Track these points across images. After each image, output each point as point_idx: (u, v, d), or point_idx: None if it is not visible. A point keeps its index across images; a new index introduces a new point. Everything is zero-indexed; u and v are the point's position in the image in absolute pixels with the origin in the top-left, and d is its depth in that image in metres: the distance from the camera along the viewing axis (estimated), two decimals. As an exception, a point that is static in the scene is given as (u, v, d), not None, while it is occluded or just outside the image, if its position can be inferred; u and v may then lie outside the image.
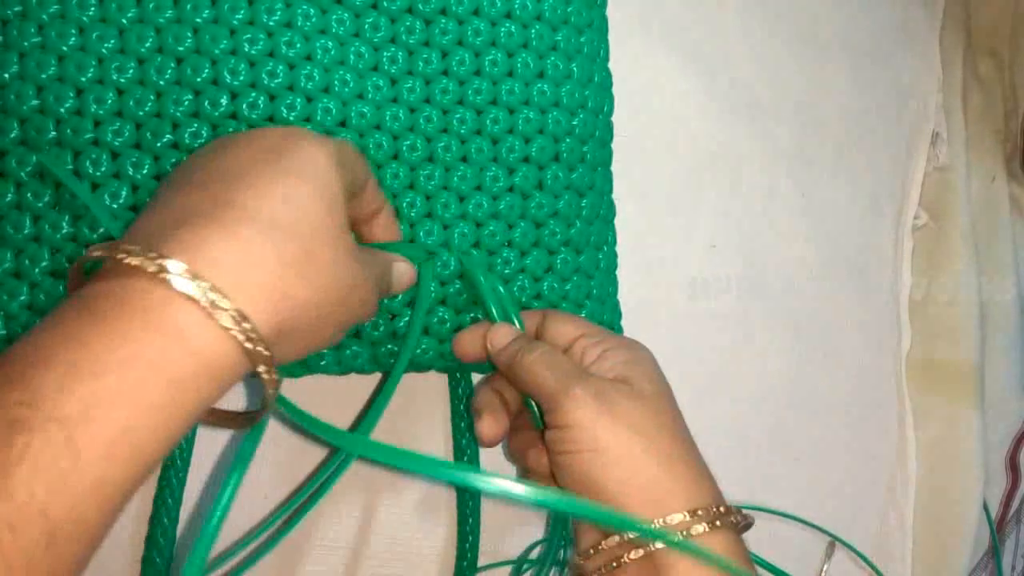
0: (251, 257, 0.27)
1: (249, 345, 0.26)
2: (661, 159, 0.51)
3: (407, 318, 0.39)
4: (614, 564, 0.33)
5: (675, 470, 0.33)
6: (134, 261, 0.25)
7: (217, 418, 0.31)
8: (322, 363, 0.39)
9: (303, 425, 0.31)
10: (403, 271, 0.37)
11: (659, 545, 0.31)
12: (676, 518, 0.32)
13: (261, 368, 0.27)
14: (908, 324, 0.57)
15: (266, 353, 0.26)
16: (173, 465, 0.39)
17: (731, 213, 0.52)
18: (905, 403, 0.56)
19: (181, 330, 0.25)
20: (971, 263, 0.56)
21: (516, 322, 0.39)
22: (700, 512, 0.32)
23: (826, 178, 0.55)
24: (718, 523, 0.32)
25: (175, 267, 0.25)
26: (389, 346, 0.39)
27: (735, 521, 0.33)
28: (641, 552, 0.32)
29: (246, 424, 0.31)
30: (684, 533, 0.31)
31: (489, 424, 0.37)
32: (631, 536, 0.32)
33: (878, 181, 0.57)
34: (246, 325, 0.26)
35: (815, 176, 0.55)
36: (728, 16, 0.53)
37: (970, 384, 0.55)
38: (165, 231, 0.26)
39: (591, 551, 0.34)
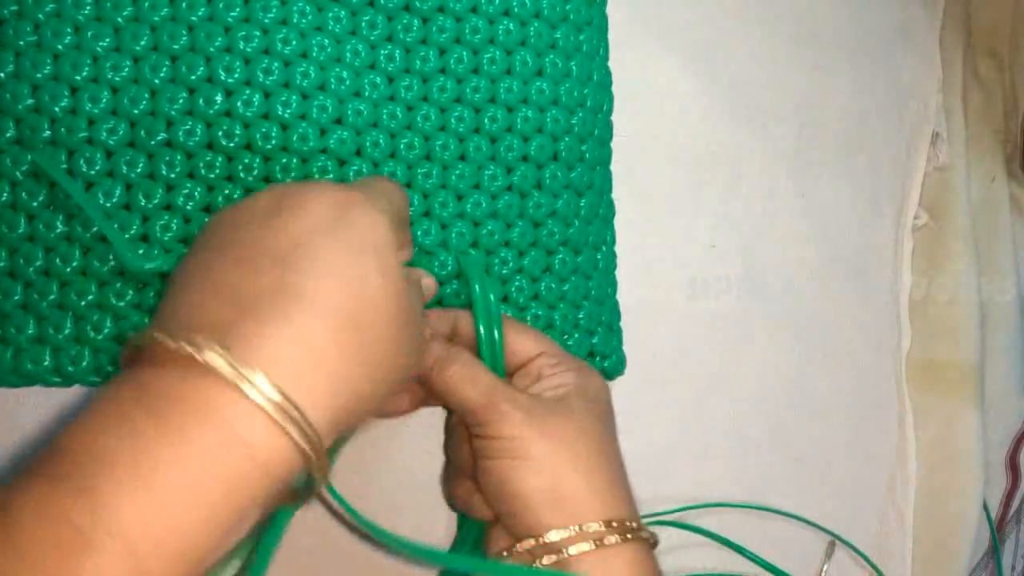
0: (312, 351, 0.26)
1: (306, 446, 0.25)
2: (661, 159, 0.50)
3: (405, 318, 0.39)
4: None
5: (595, 483, 0.33)
6: (202, 358, 0.24)
7: None
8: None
9: (353, 518, 0.30)
10: (429, 287, 0.36)
11: (571, 552, 0.32)
12: (591, 527, 0.32)
13: (315, 465, 0.26)
14: (908, 324, 0.57)
15: (322, 450, 0.26)
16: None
17: (731, 213, 0.52)
18: (905, 403, 0.56)
19: (240, 432, 0.24)
20: (971, 263, 0.56)
21: (496, 331, 0.37)
22: (615, 524, 0.32)
23: (826, 178, 0.55)
24: (630, 536, 0.32)
25: (251, 375, 0.24)
26: (387, 346, 0.39)
27: (646, 537, 0.33)
28: (554, 558, 0.32)
29: (281, 504, 0.30)
30: (597, 543, 0.32)
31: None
32: (544, 541, 0.32)
33: (878, 181, 0.57)
34: (305, 426, 0.25)
35: (815, 176, 0.55)
36: (728, 16, 0.53)
37: (970, 384, 0.55)
38: (225, 320, 0.25)
39: (504, 554, 0.34)
